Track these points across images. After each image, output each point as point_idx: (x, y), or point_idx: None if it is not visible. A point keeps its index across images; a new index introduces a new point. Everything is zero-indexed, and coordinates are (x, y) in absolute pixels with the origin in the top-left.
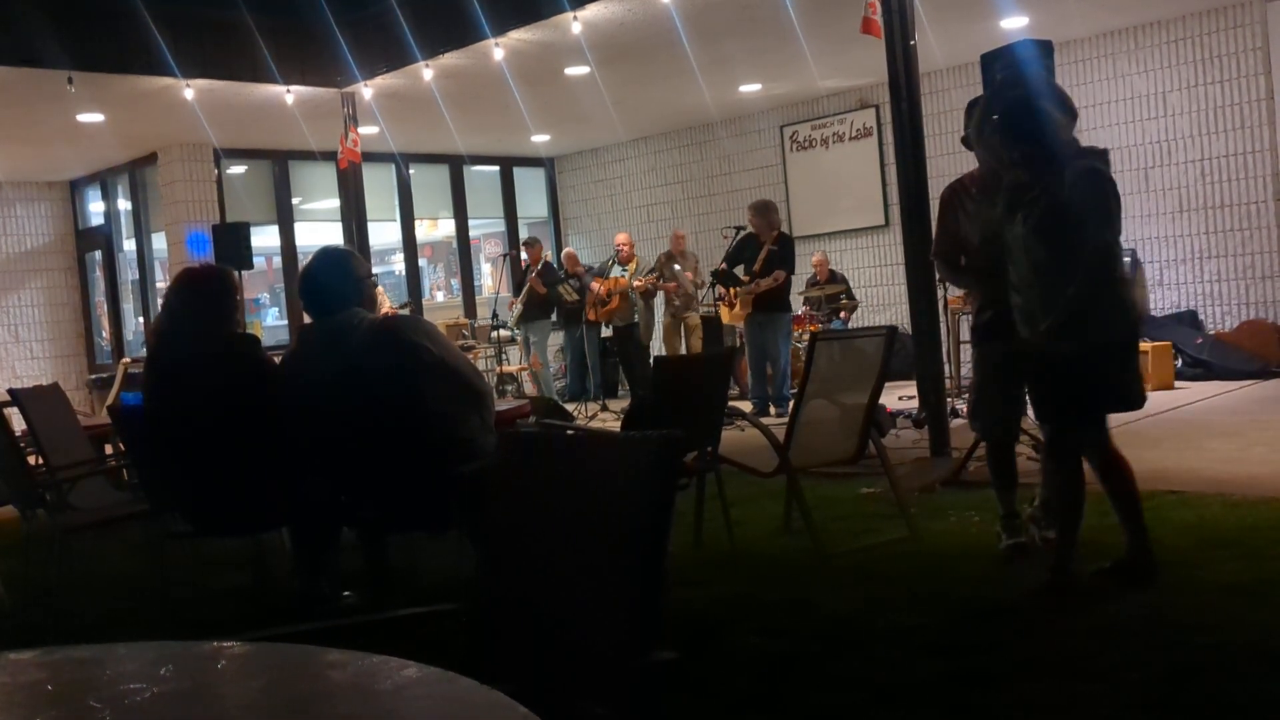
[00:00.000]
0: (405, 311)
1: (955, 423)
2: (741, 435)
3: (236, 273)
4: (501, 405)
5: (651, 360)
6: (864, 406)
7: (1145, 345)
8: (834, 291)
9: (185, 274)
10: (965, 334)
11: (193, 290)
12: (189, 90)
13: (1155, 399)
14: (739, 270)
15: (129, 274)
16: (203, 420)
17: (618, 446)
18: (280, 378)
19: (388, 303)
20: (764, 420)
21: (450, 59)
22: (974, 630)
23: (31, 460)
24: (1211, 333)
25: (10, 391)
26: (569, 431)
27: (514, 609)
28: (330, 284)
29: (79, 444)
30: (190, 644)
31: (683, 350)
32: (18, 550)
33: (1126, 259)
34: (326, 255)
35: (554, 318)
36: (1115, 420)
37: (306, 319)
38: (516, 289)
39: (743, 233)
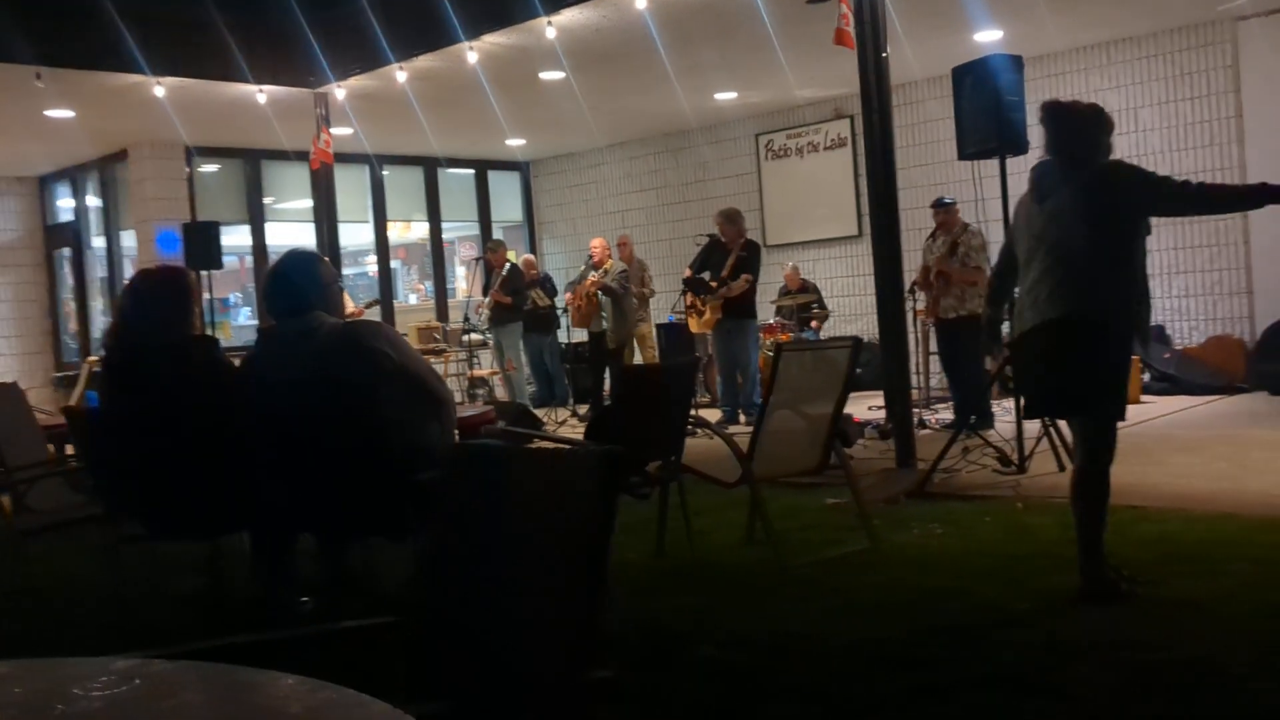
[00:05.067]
0: (370, 310)
1: (922, 434)
2: (709, 443)
3: (205, 272)
4: (472, 410)
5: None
6: (828, 417)
7: None
8: (805, 301)
9: (140, 275)
10: (934, 345)
11: (148, 292)
12: (159, 88)
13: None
14: (705, 277)
15: (98, 271)
16: (158, 422)
17: (557, 461)
18: (238, 380)
19: (351, 303)
20: (733, 428)
21: (424, 61)
22: (930, 644)
23: None
24: (1179, 348)
25: None
26: (532, 439)
27: (454, 623)
28: (295, 287)
29: (36, 444)
30: (101, 660)
31: (637, 359)
32: None
33: None
34: (294, 257)
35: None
36: None
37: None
38: (487, 292)
39: (709, 240)
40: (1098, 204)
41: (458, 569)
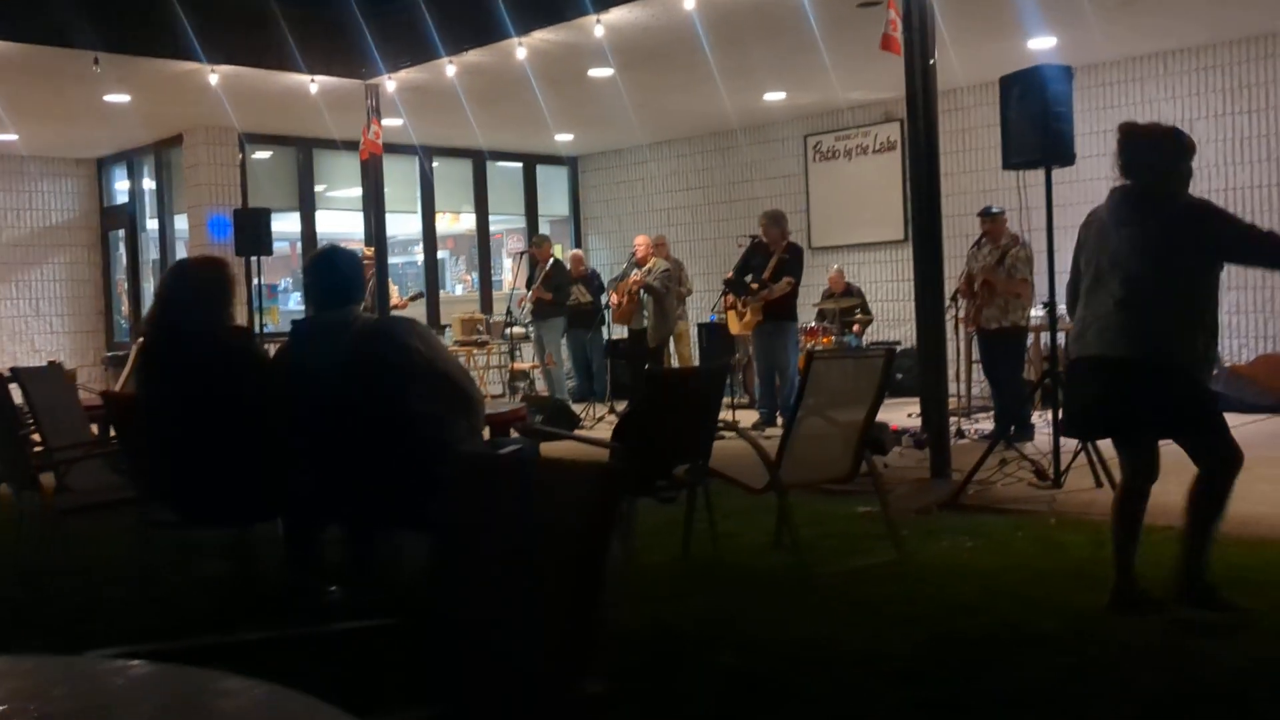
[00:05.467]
0: (414, 302)
1: (960, 444)
2: (742, 446)
3: (255, 258)
4: (507, 405)
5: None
6: (859, 425)
7: None
8: (848, 305)
9: (181, 264)
10: (977, 353)
11: (188, 281)
12: (214, 75)
13: None
14: (747, 279)
15: (151, 253)
16: (191, 410)
17: (558, 473)
18: (272, 371)
19: (396, 294)
20: (770, 431)
21: (473, 56)
22: (948, 659)
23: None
24: (1227, 365)
25: (12, 370)
26: (561, 437)
27: (454, 627)
28: (333, 280)
29: (79, 425)
30: (74, 660)
31: (673, 358)
32: (10, 529)
33: None
34: (333, 251)
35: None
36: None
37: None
38: (530, 286)
39: (752, 241)
40: (1182, 243)
41: (457, 572)
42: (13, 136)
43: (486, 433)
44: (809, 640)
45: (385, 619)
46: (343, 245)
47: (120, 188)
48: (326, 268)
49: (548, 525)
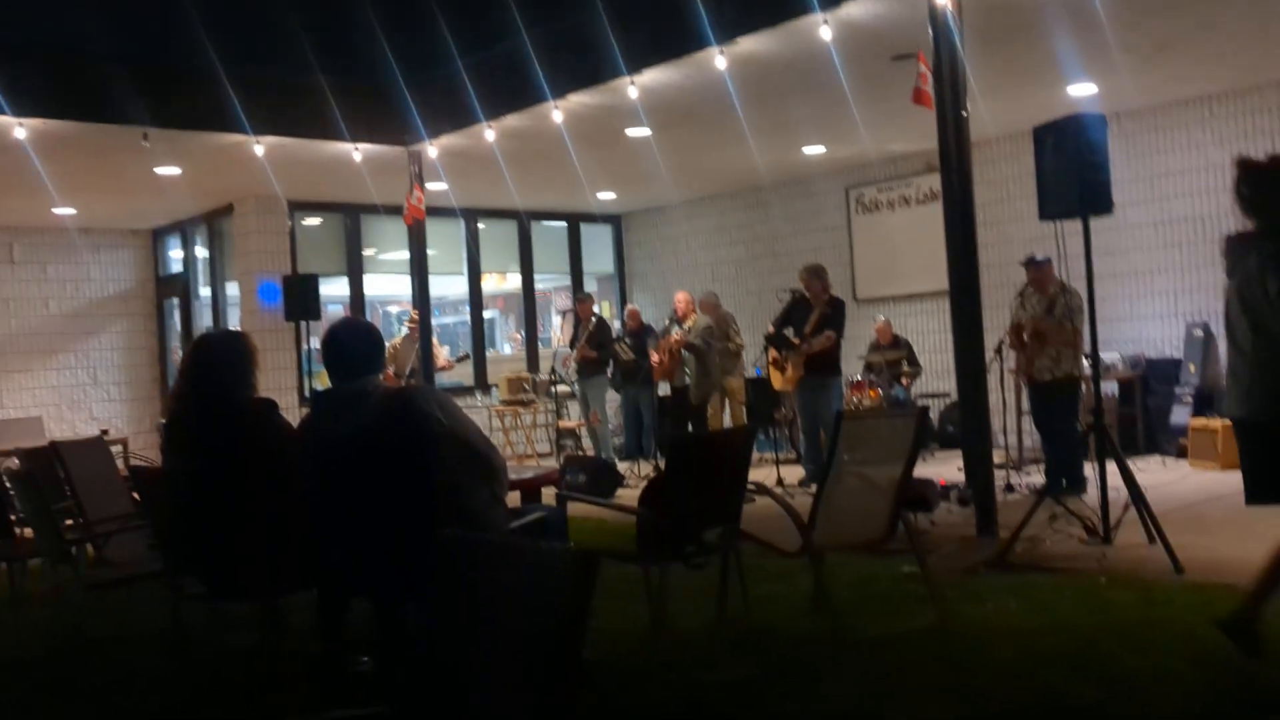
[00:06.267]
0: (461, 363)
1: (1010, 498)
2: (778, 507)
3: (305, 323)
4: (532, 470)
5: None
6: (894, 484)
7: (1216, 423)
8: (895, 357)
9: (202, 340)
10: (1027, 404)
11: (209, 355)
12: (260, 146)
13: (1223, 480)
14: (789, 333)
15: (205, 320)
16: (216, 483)
17: (532, 558)
18: (295, 443)
19: (443, 356)
20: (815, 487)
21: (512, 120)
22: None
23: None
24: None
25: (52, 444)
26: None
27: (439, 712)
28: (351, 352)
29: (119, 496)
30: None
31: (726, 414)
32: (50, 601)
33: (1198, 333)
34: (350, 323)
35: (610, 374)
36: (1170, 501)
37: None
38: (575, 344)
39: (794, 296)
40: (1272, 290)
41: (447, 656)
42: (71, 210)
43: (516, 498)
44: (841, 711)
45: (377, 707)
46: (392, 306)
47: (174, 257)
48: (342, 340)
49: (524, 609)
